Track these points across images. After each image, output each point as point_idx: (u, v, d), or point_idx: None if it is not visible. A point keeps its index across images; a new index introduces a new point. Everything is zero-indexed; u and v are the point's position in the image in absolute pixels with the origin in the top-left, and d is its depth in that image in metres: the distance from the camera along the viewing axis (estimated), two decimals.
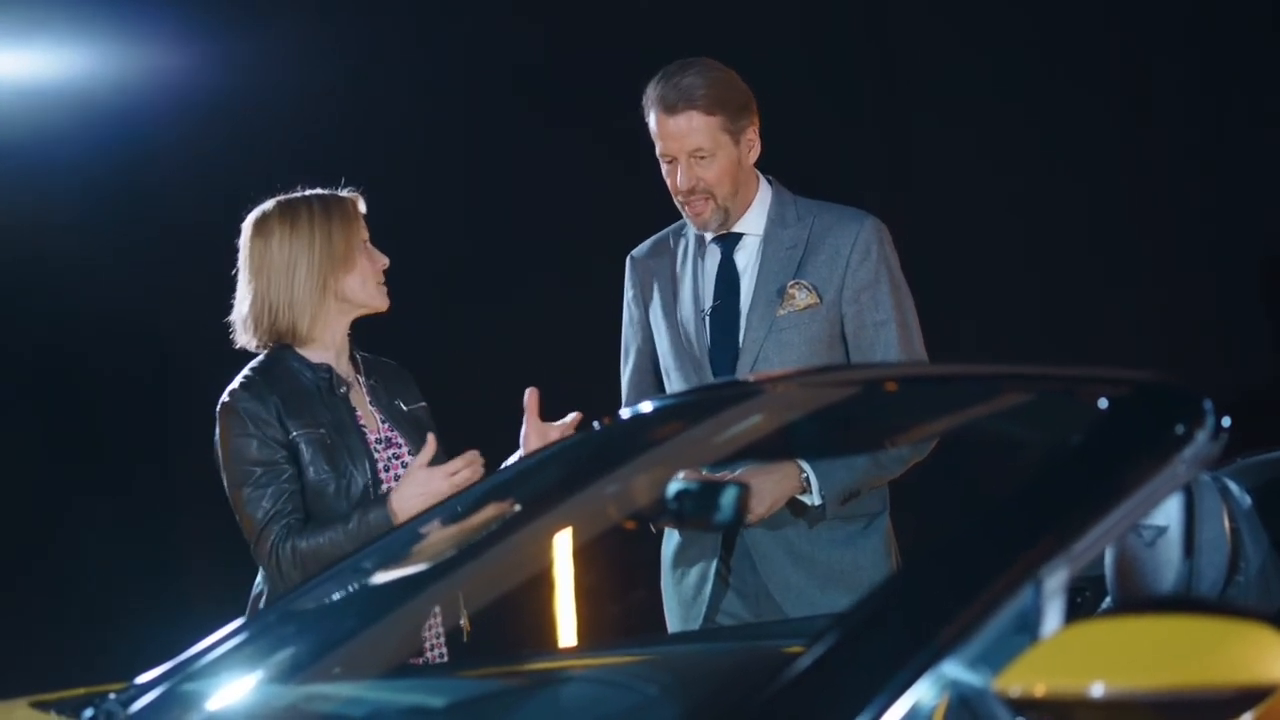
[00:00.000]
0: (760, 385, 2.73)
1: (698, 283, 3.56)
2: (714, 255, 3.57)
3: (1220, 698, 1.70)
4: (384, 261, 3.37)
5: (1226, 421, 1.94)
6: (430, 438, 3.21)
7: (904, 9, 5.39)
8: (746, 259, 3.54)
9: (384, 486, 3.27)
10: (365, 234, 3.36)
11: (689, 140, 3.45)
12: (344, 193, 3.37)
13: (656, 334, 3.62)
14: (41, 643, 4.95)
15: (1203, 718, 1.71)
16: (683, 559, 3.54)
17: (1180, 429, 1.94)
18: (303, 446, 3.23)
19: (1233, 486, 2.42)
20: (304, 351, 3.32)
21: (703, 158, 3.46)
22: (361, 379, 3.39)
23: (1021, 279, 5.30)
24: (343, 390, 3.32)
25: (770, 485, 3.33)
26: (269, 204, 3.34)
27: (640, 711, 2.23)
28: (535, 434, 3.29)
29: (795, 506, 3.41)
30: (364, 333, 3.45)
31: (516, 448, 3.32)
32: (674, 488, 2.44)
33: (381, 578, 2.58)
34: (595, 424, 2.68)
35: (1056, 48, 5.33)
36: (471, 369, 5.06)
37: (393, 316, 3.42)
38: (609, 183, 5.03)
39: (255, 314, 3.31)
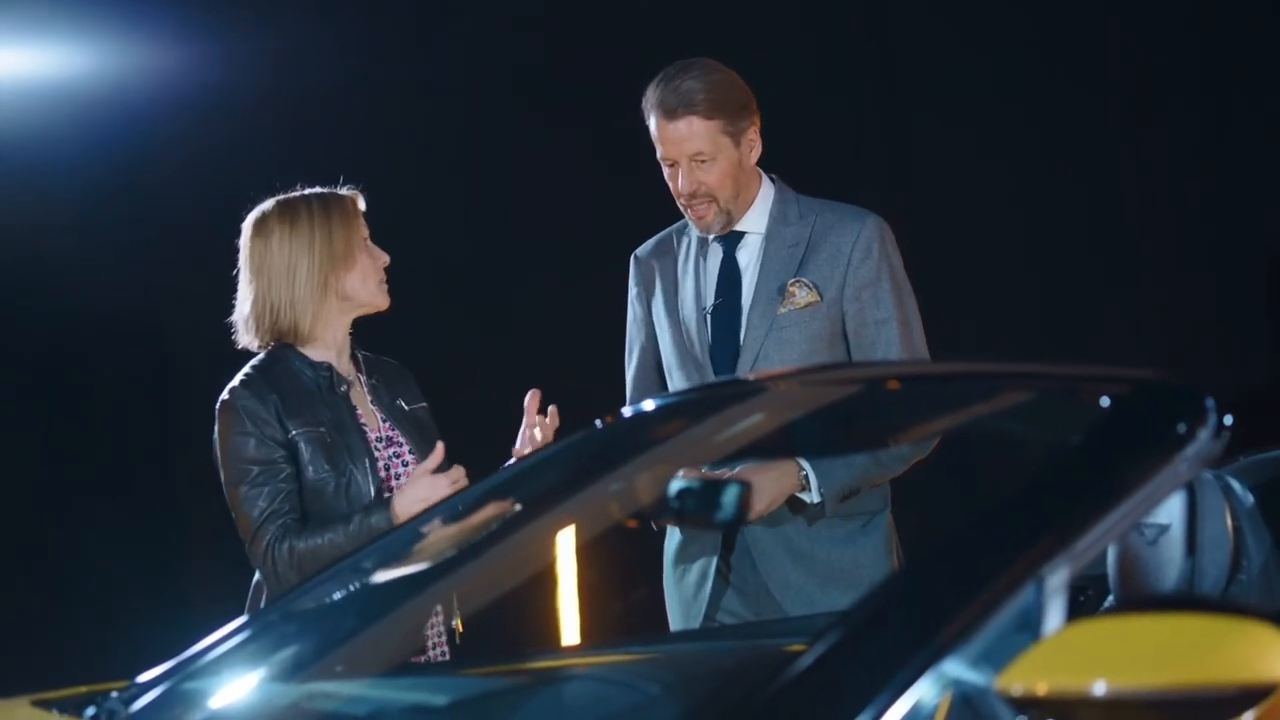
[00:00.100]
0: (762, 383, 2.73)
1: (700, 281, 3.56)
2: (716, 253, 3.57)
3: (1222, 696, 1.70)
4: (385, 259, 3.37)
5: (1228, 420, 1.94)
6: (439, 445, 3.21)
7: (904, 9, 5.39)
8: (748, 257, 3.54)
9: (384, 486, 3.27)
10: (365, 232, 3.36)
11: (689, 145, 3.45)
12: (343, 191, 3.37)
13: (659, 332, 3.62)
14: (42, 642, 4.95)
15: (1205, 716, 1.71)
16: (684, 557, 3.54)
17: (1182, 427, 1.94)
18: (302, 445, 3.23)
19: (1235, 485, 2.42)
20: (305, 350, 3.32)
21: (703, 161, 3.46)
22: (362, 378, 3.39)
23: (1021, 279, 5.30)
24: (343, 389, 3.32)
25: (769, 483, 3.33)
26: (268, 204, 3.34)
27: (642, 710, 2.23)
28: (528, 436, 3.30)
29: (795, 504, 3.41)
30: (365, 332, 3.45)
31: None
32: (675, 486, 2.43)
33: (383, 576, 2.58)
34: (597, 422, 2.68)
35: (1056, 48, 5.33)
36: (471, 369, 5.06)
37: (393, 316, 3.41)
38: (609, 183, 5.03)
39: (256, 314, 3.31)
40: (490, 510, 2.60)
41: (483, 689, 2.48)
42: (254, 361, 3.32)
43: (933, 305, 3.65)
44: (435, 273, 5.05)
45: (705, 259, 3.58)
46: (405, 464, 3.33)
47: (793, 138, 3.99)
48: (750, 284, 3.51)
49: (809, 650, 1.78)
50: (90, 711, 2.28)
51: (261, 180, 3.41)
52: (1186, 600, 1.84)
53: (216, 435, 3.27)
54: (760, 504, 3.31)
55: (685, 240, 3.63)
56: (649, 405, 2.74)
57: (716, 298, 3.53)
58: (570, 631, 3.44)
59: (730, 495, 2.44)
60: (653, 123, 3.48)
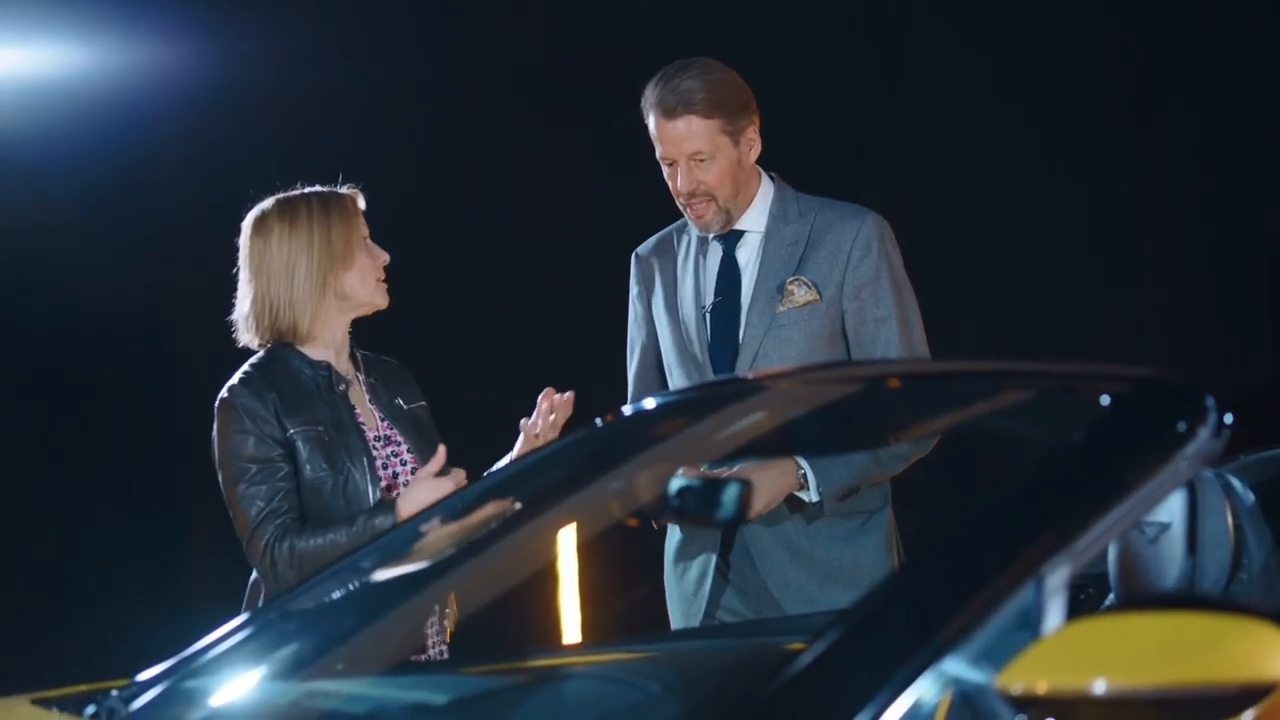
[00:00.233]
0: (762, 382, 2.73)
1: (699, 279, 3.56)
2: (716, 252, 3.57)
3: (1222, 695, 1.70)
4: (384, 258, 3.37)
5: (1228, 418, 1.94)
6: (440, 449, 3.21)
7: (904, 9, 5.40)
8: (748, 255, 3.54)
9: (382, 484, 3.26)
10: (365, 230, 3.36)
11: (688, 144, 3.45)
12: (343, 189, 3.37)
13: (659, 330, 3.62)
14: (42, 642, 4.95)
15: (1205, 715, 1.71)
16: (684, 555, 3.54)
17: (1182, 426, 1.94)
18: (300, 444, 3.22)
19: (1235, 483, 2.42)
20: (304, 349, 3.32)
21: (702, 160, 3.46)
22: (361, 377, 3.39)
23: (1021, 278, 5.30)
24: (342, 388, 3.32)
25: (767, 482, 3.33)
26: (268, 202, 3.34)
27: (642, 708, 2.23)
28: (528, 433, 3.31)
29: (794, 503, 3.41)
30: (364, 332, 3.44)
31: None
32: (674, 484, 2.43)
33: (384, 574, 2.58)
34: (597, 421, 2.68)
35: (1056, 48, 5.33)
36: (471, 369, 5.06)
37: (393, 316, 3.41)
38: (609, 183, 5.03)
39: (256, 313, 3.31)
40: (490, 509, 2.60)
41: (483, 687, 2.48)
42: (253, 360, 3.32)
43: (933, 305, 3.65)
44: (435, 273, 5.05)
45: (705, 257, 3.58)
46: (403, 463, 3.33)
47: (793, 138, 3.99)
48: (749, 282, 3.51)
49: (809, 649, 1.78)
50: (90, 710, 2.28)
51: (262, 180, 3.41)
52: (1187, 599, 1.84)
53: (215, 433, 3.26)
54: (758, 503, 3.31)
55: (685, 239, 3.63)
56: (649, 404, 2.74)
57: (716, 296, 3.53)
58: (570, 630, 3.44)
59: (729, 494, 2.44)
60: (652, 122, 3.48)
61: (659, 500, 2.61)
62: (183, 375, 5.11)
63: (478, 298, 5.30)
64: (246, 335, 3.35)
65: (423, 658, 3.20)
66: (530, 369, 3.58)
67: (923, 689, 1.72)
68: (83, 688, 2.40)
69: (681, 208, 3.54)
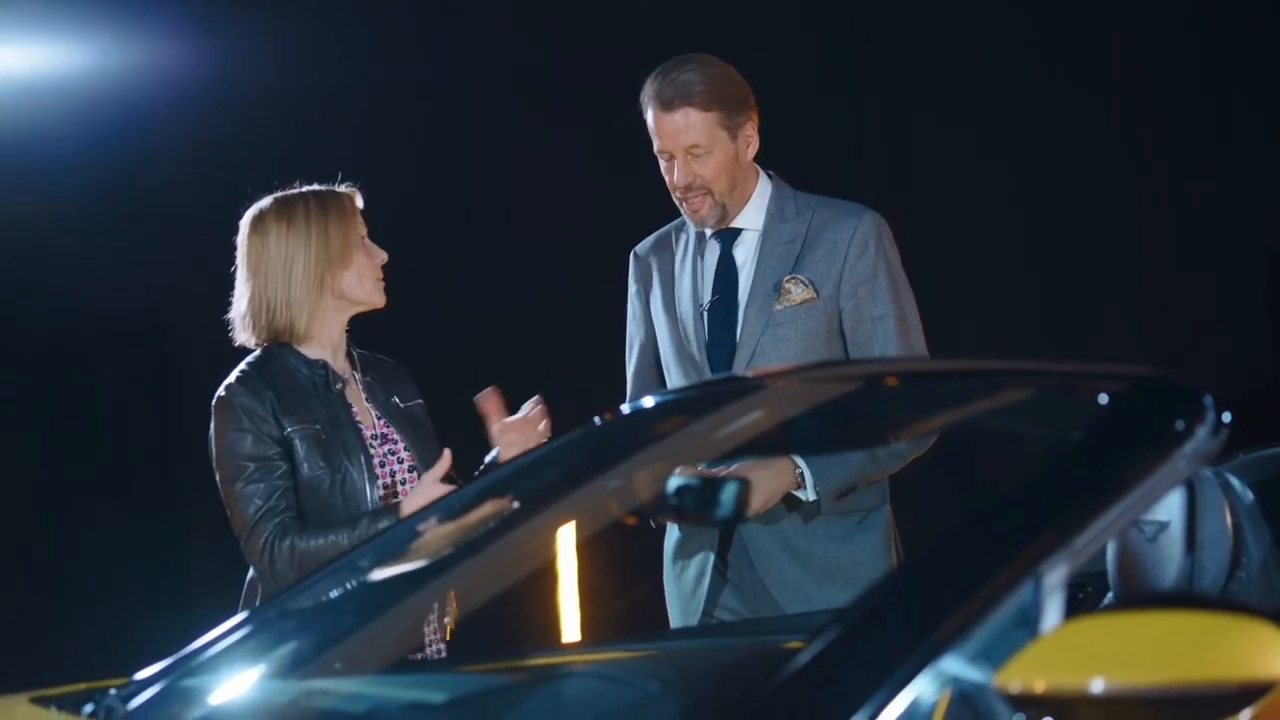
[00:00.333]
0: (760, 381, 2.73)
1: (697, 278, 3.56)
2: (713, 250, 3.57)
3: (1221, 694, 1.70)
4: (382, 257, 3.36)
5: (1227, 417, 1.94)
6: (445, 453, 3.20)
7: (904, 9, 5.40)
8: (745, 254, 3.54)
9: (379, 482, 3.26)
10: (363, 229, 3.36)
11: (685, 136, 3.45)
12: (341, 188, 3.37)
13: (657, 328, 3.62)
14: (42, 642, 4.95)
15: (1203, 714, 1.70)
16: (682, 554, 3.54)
17: (1180, 424, 1.94)
18: (297, 442, 3.22)
19: (1234, 482, 2.42)
20: (301, 348, 3.32)
21: (699, 154, 3.46)
22: (358, 375, 3.39)
23: (1021, 278, 5.30)
24: (339, 386, 3.32)
25: (764, 480, 3.32)
26: (266, 201, 3.34)
27: (641, 707, 2.23)
28: (513, 433, 3.29)
29: (791, 502, 3.41)
30: (363, 332, 3.44)
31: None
32: (672, 483, 2.43)
33: (382, 573, 2.58)
34: (596, 419, 2.68)
35: (1056, 48, 5.33)
36: (471, 369, 5.05)
37: (392, 316, 3.41)
38: (609, 183, 5.03)
39: (253, 311, 3.31)
40: (489, 507, 2.60)
41: (481, 686, 2.48)
42: (250, 358, 3.32)
43: (933, 305, 3.65)
44: (435, 273, 5.05)
45: (703, 255, 3.58)
46: (400, 461, 3.33)
47: (793, 137, 3.99)
48: (747, 280, 3.51)
49: (807, 647, 1.78)
50: (89, 708, 2.28)
51: (261, 179, 3.41)
52: (1185, 597, 1.84)
53: (212, 432, 3.26)
54: (755, 502, 3.31)
55: (683, 237, 3.63)
56: (647, 402, 2.74)
57: (713, 294, 3.53)
58: (569, 628, 3.43)
59: (727, 492, 2.44)
60: (650, 115, 3.49)
61: (657, 499, 2.61)
62: (183, 375, 5.11)
63: (478, 298, 5.30)
64: (243, 334, 3.35)
65: (421, 656, 3.20)
66: (530, 369, 3.58)
67: (921, 688, 1.72)
68: (81, 686, 2.40)
69: (677, 202, 3.54)
